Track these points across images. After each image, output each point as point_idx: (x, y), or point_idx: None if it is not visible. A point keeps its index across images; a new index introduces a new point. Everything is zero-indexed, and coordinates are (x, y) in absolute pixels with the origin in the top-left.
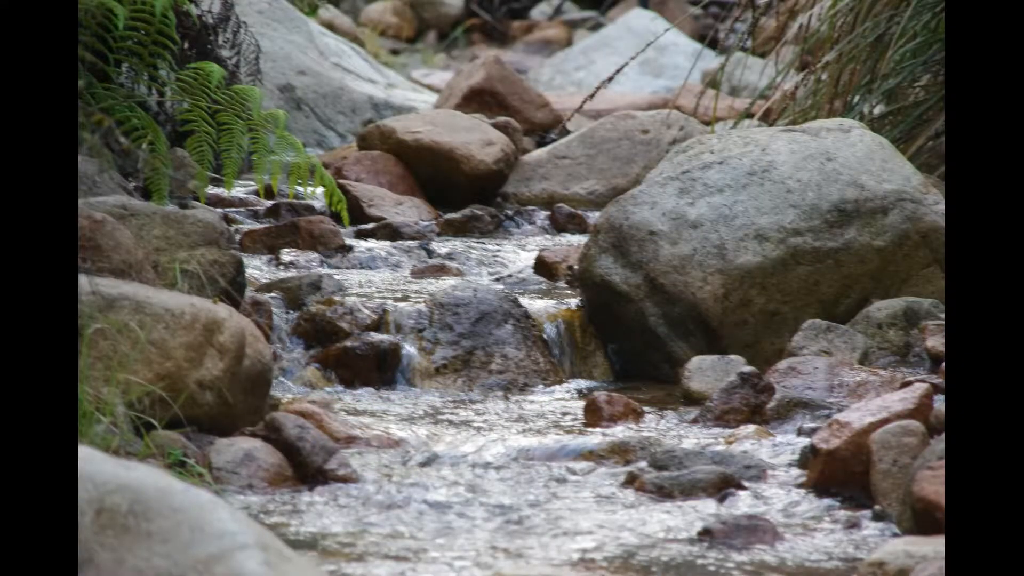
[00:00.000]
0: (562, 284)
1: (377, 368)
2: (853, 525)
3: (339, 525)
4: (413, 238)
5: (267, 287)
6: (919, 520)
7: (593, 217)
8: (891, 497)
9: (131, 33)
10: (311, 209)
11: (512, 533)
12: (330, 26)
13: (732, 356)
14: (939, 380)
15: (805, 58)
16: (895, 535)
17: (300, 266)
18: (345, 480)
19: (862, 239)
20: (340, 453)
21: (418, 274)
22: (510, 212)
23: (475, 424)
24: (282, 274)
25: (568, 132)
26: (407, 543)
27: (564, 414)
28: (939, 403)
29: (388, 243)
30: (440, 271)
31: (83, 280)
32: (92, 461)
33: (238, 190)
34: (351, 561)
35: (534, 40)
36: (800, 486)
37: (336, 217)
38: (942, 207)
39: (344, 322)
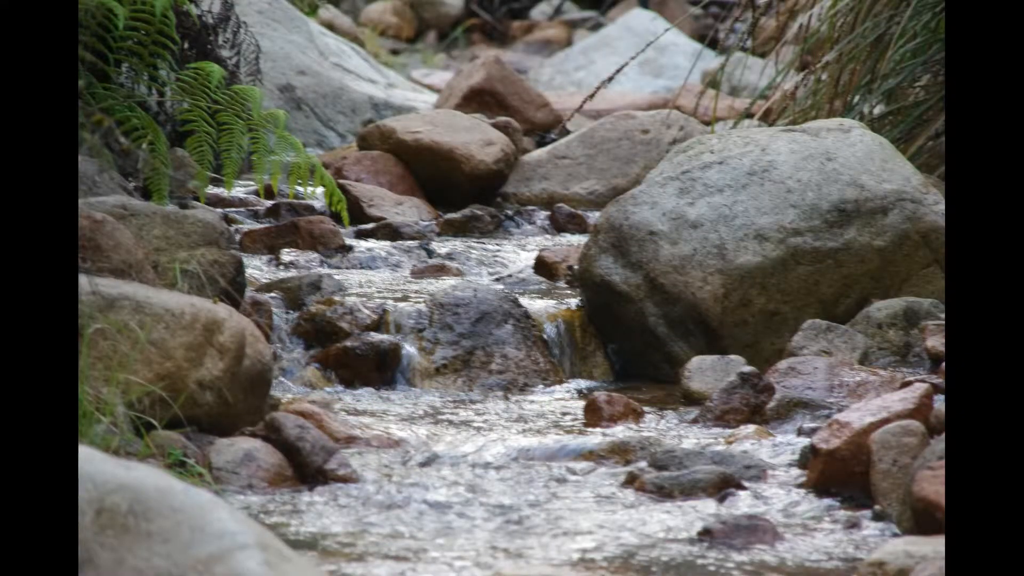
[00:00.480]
0: (562, 284)
1: (377, 368)
2: (853, 525)
3: (339, 525)
4: (413, 238)
5: (267, 287)
6: (919, 520)
7: (593, 217)
8: (891, 497)
9: (131, 33)
10: (311, 209)
11: (512, 533)
12: (330, 26)
13: (732, 356)
14: (939, 380)
15: (805, 58)
16: (895, 535)
17: (300, 266)
18: (345, 480)
19: (862, 239)
20: (340, 453)
21: (418, 274)
22: (510, 212)
23: (475, 424)
24: (282, 274)
25: (568, 132)
26: (407, 543)
27: (564, 414)
28: (939, 403)
29: (388, 243)
30: (440, 271)
31: (83, 280)
32: (92, 461)
33: (238, 190)
34: (351, 561)
35: (534, 40)
36: (800, 486)
37: (336, 217)
38: (942, 207)
39: (344, 322)
